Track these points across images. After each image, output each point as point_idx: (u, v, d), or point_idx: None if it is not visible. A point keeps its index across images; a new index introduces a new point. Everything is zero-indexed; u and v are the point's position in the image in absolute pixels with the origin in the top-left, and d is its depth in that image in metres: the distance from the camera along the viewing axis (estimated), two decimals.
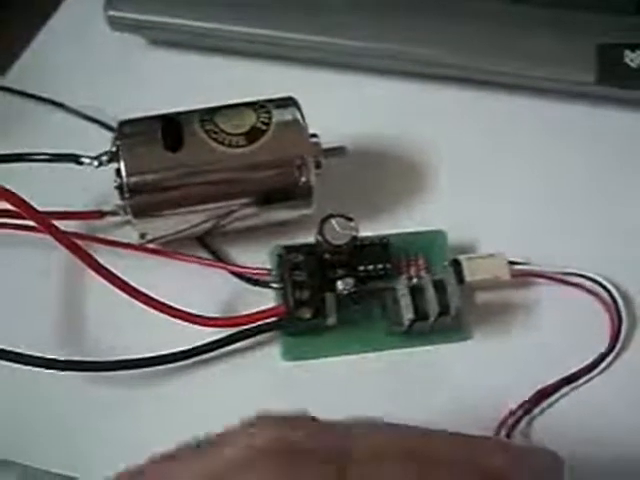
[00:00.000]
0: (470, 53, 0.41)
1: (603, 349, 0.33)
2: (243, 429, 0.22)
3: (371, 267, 0.34)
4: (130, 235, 0.35)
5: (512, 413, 0.32)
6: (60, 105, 0.41)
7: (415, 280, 0.32)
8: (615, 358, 0.34)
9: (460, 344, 0.34)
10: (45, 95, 0.41)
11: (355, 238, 0.32)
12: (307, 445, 0.21)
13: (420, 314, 0.31)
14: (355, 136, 0.39)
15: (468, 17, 0.41)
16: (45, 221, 0.32)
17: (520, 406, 0.32)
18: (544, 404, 0.32)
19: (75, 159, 0.35)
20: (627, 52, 0.40)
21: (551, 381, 0.33)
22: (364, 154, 0.39)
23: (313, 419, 0.23)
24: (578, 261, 0.35)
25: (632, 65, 0.40)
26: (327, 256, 0.33)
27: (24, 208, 0.32)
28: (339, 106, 0.40)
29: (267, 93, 0.36)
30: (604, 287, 0.35)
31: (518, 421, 0.32)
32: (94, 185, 0.36)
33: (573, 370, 0.33)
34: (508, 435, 0.31)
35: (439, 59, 0.41)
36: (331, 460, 0.21)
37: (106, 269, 0.32)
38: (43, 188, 0.32)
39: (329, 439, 0.22)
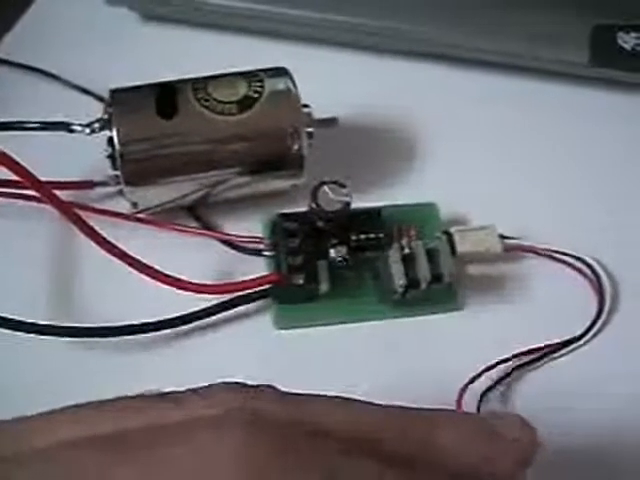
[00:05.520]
0: (462, 32, 0.41)
1: (587, 324, 0.34)
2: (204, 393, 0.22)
3: (363, 236, 0.34)
4: (120, 206, 0.35)
5: (493, 385, 0.32)
6: (53, 76, 0.40)
7: (407, 249, 0.32)
8: (596, 333, 0.34)
9: (451, 314, 0.34)
10: (38, 66, 0.41)
11: (348, 205, 0.33)
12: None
13: (412, 281, 0.31)
14: (347, 110, 0.39)
15: None
16: (47, 190, 0.32)
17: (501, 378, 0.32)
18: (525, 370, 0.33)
19: (66, 127, 0.34)
20: (621, 34, 0.40)
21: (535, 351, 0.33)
22: (356, 127, 0.39)
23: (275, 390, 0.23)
24: (566, 238, 0.36)
25: (625, 47, 0.40)
26: (320, 224, 0.33)
27: (26, 177, 0.31)
28: (331, 81, 0.40)
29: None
30: (590, 266, 0.35)
31: (492, 387, 0.32)
32: (84, 155, 0.36)
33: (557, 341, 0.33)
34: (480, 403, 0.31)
35: (431, 37, 0.41)
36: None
37: (106, 239, 0.32)
38: (33, 158, 0.32)
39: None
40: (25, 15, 0.44)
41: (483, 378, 0.32)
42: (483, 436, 0.23)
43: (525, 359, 0.33)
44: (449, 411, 0.25)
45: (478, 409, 0.31)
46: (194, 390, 0.22)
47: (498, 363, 0.32)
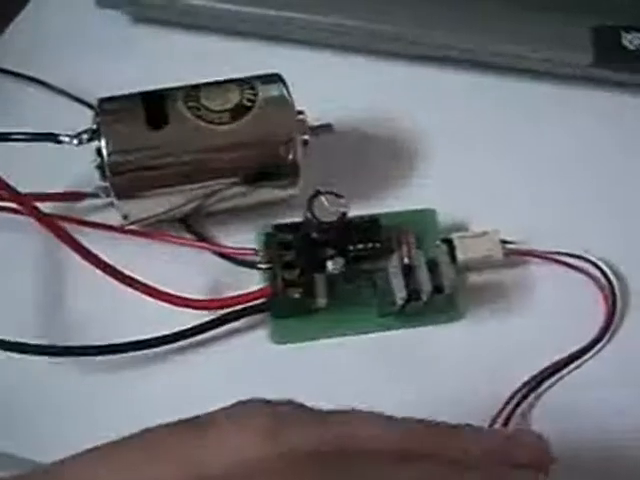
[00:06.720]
0: (464, 35, 0.40)
1: (597, 329, 0.33)
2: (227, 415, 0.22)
3: (361, 246, 0.33)
4: (111, 217, 0.35)
5: (511, 397, 0.31)
6: (42, 83, 0.40)
7: (407, 259, 0.32)
8: (609, 340, 0.33)
9: (452, 324, 0.34)
10: (27, 72, 0.40)
11: (345, 215, 0.32)
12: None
13: (413, 293, 0.31)
14: (343, 115, 0.38)
15: None
16: (27, 203, 0.32)
17: (519, 389, 0.32)
18: (542, 388, 0.32)
19: (54, 138, 0.34)
20: (624, 34, 0.40)
21: (547, 364, 0.32)
22: (352, 133, 0.39)
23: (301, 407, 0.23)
24: (570, 240, 0.35)
25: (630, 47, 0.39)
26: (316, 235, 0.32)
27: (4, 189, 0.31)
28: (326, 86, 0.39)
29: (252, 72, 0.35)
30: (597, 266, 0.34)
31: (518, 405, 0.31)
32: (73, 165, 0.35)
33: (568, 351, 0.32)
34: (508, 419, 0.31)
35: (431, 40, 0.40)
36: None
37: (91, 252, 0.32)
38: (20, 168, 0.32)
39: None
40: (15, 20, 0.43)
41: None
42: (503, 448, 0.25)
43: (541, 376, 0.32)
44: (469, 426, 0.25)
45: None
46: (218, 413, 0.23)
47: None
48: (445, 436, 0.24)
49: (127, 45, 0.42)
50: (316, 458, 0.21)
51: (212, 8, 0.41)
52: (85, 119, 0.34)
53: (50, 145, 0.34)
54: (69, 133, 0.33)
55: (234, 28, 0.42)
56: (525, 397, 0.31)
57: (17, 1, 0.44)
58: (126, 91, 0.34)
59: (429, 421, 0.24)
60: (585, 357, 0.33)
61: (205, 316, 0.32)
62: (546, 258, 0.35)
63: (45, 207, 0.33)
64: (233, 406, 0.23)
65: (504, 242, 0.34)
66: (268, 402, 0.23)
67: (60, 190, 0.36)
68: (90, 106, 0.38)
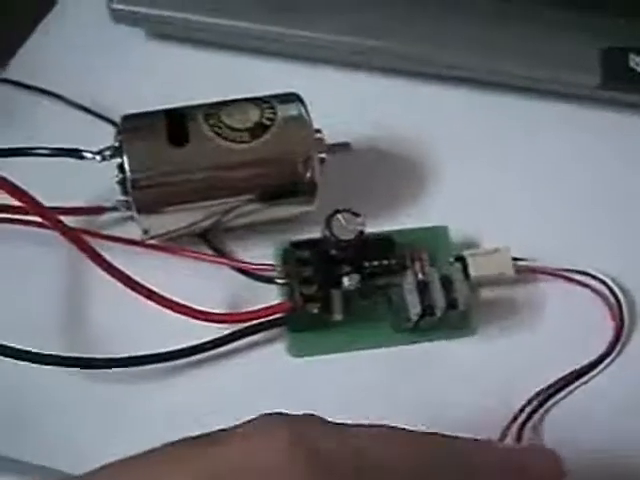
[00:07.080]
0: (475, 54, 0.41)
1: (605, 344, 0.34)
2: (253, 427, 0.23)
3: (376, 263, 0.34)
4: (130, 231, 0.35)
5: (521, 410, 0.32)
6: (60, 97, 0.40)
7: (421, 275, 0.32)
8: (618, 354, 0.34)
9: (465, 339, 0.34)
10: (45, 87, 0.40)
11: (362, 233, 0.32)
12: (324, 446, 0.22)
13: (427, 309, 0.31)
14: (358, 133, 0.39)
15: (473, 18, 0.41)
16: (52, 217, 0.32)
17: (529, 402, 0.32)
18: (552, 400, 0.32)
19: (77, 154, 0.34)
20: (632, 56, 0.40)
21: (558, 377, 0.33)
22: (367, 151, 0.39)
23: (322, 421, 0.23)
24: (581, 258, 0.35)
25: (637, 69, 0.40)
26: (333, 252, 0.33)
27: (29, 203, 0.31)
28: (342, 104, 0.40)
29: (269, 89, 0.36)
30: (606, 284, 0.35)
31: (529, 418, 0.32)
32: (93, 180, 0.35)
33: (577, 365, 0.33)
34: (520, 432, 0.31)
35: (443, 59, 0.41)
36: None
37: (113, 266, 0.32)
38: (41, 182, 0.32)
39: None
40: (32, 35, 0.44)
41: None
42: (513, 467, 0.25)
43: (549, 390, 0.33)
44: (484, 441, 0.26)
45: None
46: (243, 426, 0.23)
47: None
48: (460, 448, 0.24)
49: (143, 61, 0.43)
50: (334, 472, 0.22)
51: (228, 26, 0.41)
52: (100, 132, 0.35)
53: (67, 160, 0.35)
54: (92, 149, 0.34)
55: (251, 46, 0.42)
56: (535, 411, 0.32)
57: (34, 16, 0.44)
58: (144, 107, 0.34)
59: (448, 436, 0.24)
60: (593, 372, 0.33)
61: (224, 330, 0.33)
62: (555, 275, 0.35)
63: (66, 221, 0.33)
64: (257, 419, 0.23)
65: (516, 259, 0.35)
66: (291, 415, 0.23)
67: (77, 204, 0.36)
68: (108, 120, 0.38)
